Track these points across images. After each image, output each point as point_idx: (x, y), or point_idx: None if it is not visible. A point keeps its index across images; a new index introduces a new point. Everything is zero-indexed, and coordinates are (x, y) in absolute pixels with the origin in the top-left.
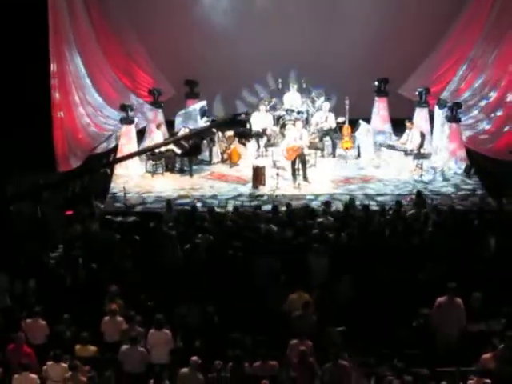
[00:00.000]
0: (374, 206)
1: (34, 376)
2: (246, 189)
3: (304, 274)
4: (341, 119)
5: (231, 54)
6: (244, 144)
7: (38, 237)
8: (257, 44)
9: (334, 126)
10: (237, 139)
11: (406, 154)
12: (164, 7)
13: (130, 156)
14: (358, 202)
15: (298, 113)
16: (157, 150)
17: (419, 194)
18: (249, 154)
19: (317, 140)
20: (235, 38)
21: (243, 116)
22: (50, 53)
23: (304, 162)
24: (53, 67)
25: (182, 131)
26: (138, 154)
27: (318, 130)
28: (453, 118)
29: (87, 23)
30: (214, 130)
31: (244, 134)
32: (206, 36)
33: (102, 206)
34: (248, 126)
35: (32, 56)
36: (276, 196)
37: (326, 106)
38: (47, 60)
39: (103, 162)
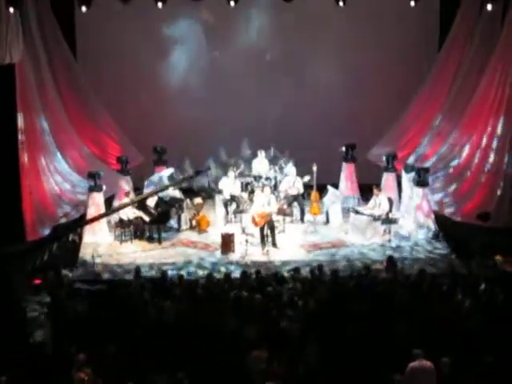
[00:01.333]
0: (342, 271)
1: None
2: (215, 256)
3: (275, 340)
4: (307, 178)
5: (200, 121)
6: (206, 198)
7: (5, 306)
8: (225, 111)
9: (301, 190)
10: (200, 198)
11: (375, 219)
12: (131, 74)
13: (98, 218)
14: (326, 268)
15: (266, 179)
16: (125, 218)
17: (390, 258)
18: (217, 221)
19: (285, 206)
20: (203, 106)
21: (206, 171)
22: (17, 120)
23: (273, 228)
24: (20, 136)
25: (151, 199)
26: (106, 215)
27: (287, 196)
28: (420, 183)
29: (54, 91)
30: (182, 196)
31: (205, 189)
32: (174, 103)
33: (71, 275)
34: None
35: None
36: (245, 263)
37: (293, 171)
38: (15, 127)
39: (71, 228)
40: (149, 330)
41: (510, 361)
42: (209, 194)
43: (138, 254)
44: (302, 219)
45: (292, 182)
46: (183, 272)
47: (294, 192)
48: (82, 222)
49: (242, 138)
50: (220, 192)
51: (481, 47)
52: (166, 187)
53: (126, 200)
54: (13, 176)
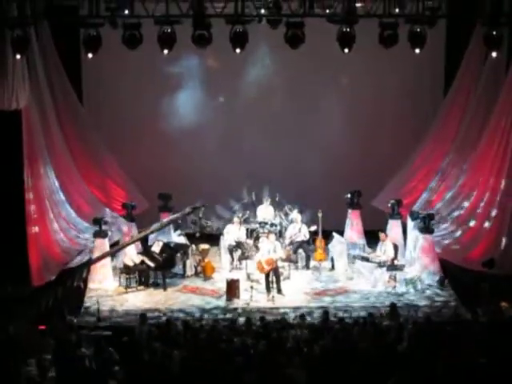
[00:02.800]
0: (348, 318)
1: None
2: (221, 302)
3: None
4: (313, 228)
5: (204, 168)
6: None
7: (9, 352)
8: (230, 158)
9: (307, 237)
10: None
11: (380, 265)
12: (136, 120)
13: (102, 257)
14: (332, 314)
15: (272, 225)
16: (130, 263)
17: (393, 305)
18: (223, 267)
19: (291, 252)
20: (208, 152)
21: (201, 208)
22: (24, 167)
23: (278, 275)
24: (27, 182)
25: (156, 245)
26: (109, 254)
27: (292, 243)
28: (426, 230)
29: (60, 137)
30: (187, 242)
31: (197, 223)
32: (180, 150)
33: (75, 321)
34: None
35: (6, 171)
36: (250, 309)
37: (298, 217)
38: (21, 174)
39: (76, 274)
40: (154, 377)
41: None
42: (200, 228)
43: (142, 300)
44: (307, 266)
45: (298, 228)
46: (188, 318)
47: (299, 238)
48: (87, 262)
49: (246, 184)
50: (210, 227)
51: (486, 93)
52: (167, 224)
53: (131, 247)
54: (18, 221)
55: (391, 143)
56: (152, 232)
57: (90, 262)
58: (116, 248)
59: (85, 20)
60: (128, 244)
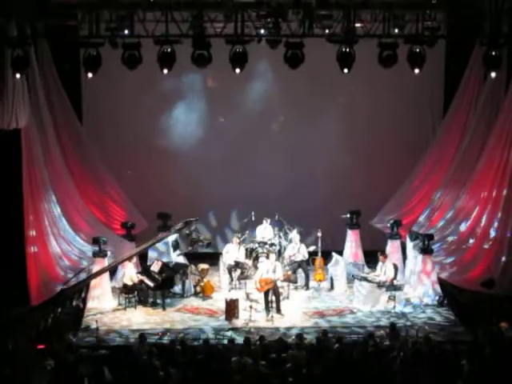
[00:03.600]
0: (347, 338)
1: None
2: (220, 322)
3: None
4: (312, 248)
5: (203, 188)
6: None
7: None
8: (230, 177)
9: (306, 256)
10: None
11: (379, 285)
12: (136, 140)
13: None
14: (331, 335)
15: (271, 245)
16: (130, 283)
17: (393, 325)
18: (222, 287)
19: (290, 272)
20: (207, 172)
21: (194, 222)
22: (23, 186)
23: (277, 295)
24: (26, 202)
25: (155, 264)
26: (108, 269)
27: (291, 262)
28: (425, 250)
29: (60, 157)
30: (186, 262)
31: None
32: (179, 168)
33: (74, 340)
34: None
35: (5, 190)
36: (249, 329)
37: (297, 237)
38: (20, 194)
39: (75, 293)
40: None
41: None
42: (192, 242)
43: (141, 319)
44: (306, 285)
45: (297, 248)
46: (187, 338)
47: (298, 258)
48: (85, 281)
49: (245, 203)
50: (202, 241)
51: (485, 113)
52: (162, 238)
53: (129, 266)
54: (18, 241)
55: (391, 163)
56: (148, 247)
57: (88, 278)
58: (113, 262)
59: (85, 40)
60: (126, 259)
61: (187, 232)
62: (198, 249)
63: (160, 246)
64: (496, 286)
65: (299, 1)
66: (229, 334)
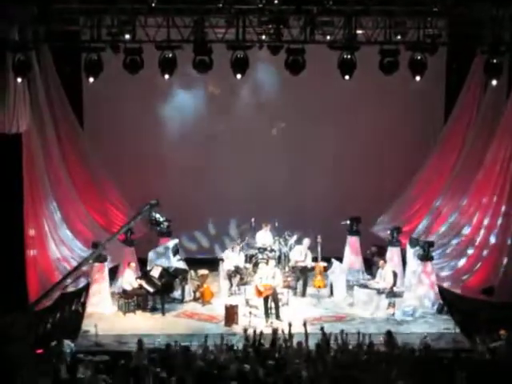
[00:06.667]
0: (346, 345)
1: None
2: (219, 328)
3: None
4: (312, 254)
5: (204, 193)
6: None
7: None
8: (230, 184)
9: (310, 265)
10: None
11: (379, 292)
12: (137, 145)
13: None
14: (330, 341)
15: (271, 251)
16: (129, 288)
17: (389, 333)
18: (221, 293)
19: (290, 279)
20: (208, 178)
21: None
22: (24, 191)
23: (277, 301)
24: (27, 206)
25: (155, 269)
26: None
27: (294, 267)
28: (425, 257)
29: (61, 162)
30: (186, 267)
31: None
32: (179, 175)
33: (73, 345)
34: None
35: (6, 194)
36: (248, 335)
37: (307, 242)
38: (21, 198)
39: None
40: None
41: None
42: (151, 224)
43: (140, 324)
44: (303, 293)
45: (304, 254)
46: (186, 344)
47: (303, 264)
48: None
49: (244, 209)
50: (162, 223)
51: (486, 121)
52: (131, 221)
53: (129, 271)
54: (17, 245)
55: (391, 170)
56: (120, 230)
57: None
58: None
59: (86, 44)
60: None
61: (149, 216)
62: (157, 231)
63: (160, 250)
64: (496, 293)
65: (301, 7)
66: (234, 340)
